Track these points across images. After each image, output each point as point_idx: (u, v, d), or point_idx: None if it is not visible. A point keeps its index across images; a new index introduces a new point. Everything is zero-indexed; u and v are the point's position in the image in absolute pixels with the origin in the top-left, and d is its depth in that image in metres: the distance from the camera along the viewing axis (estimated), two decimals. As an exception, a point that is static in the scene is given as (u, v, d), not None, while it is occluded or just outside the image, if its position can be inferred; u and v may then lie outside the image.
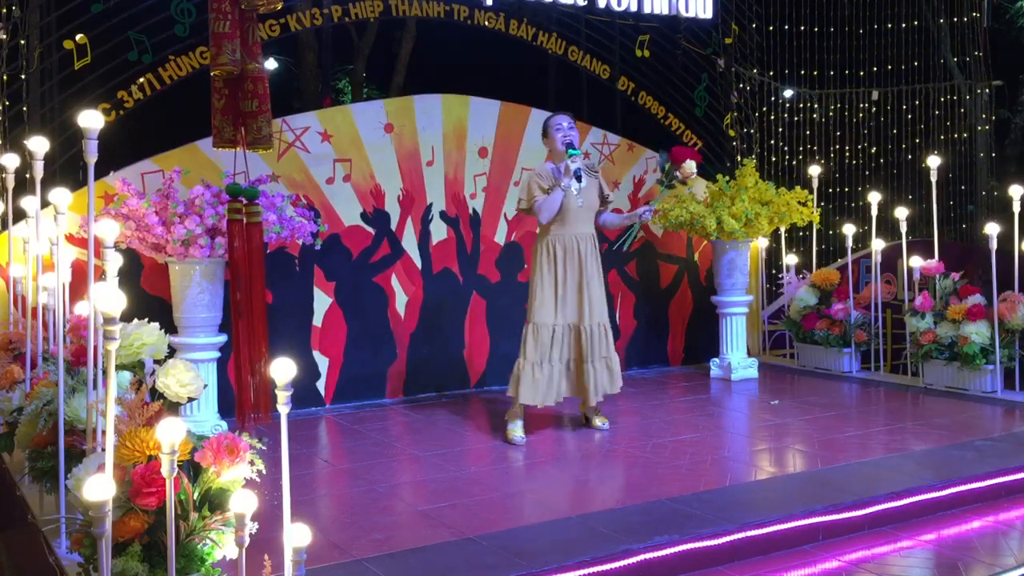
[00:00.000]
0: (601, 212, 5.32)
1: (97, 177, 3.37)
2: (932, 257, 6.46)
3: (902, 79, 10.71)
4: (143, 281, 5.47)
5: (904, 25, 10.75)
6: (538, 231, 5.21)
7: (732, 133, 8.13)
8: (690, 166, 5.36)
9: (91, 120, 3.16)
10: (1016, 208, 6.03)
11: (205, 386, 3.69)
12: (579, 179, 4.97)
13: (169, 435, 2.38)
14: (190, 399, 3.32)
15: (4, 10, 5.42)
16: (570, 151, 4.99)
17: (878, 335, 6.88)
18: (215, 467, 2.71)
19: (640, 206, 7.24)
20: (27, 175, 4.14)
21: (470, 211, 6.55)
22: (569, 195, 5.02)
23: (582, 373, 5.11)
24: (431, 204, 6.42)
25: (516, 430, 5.08)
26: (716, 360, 6.99)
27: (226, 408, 5.33)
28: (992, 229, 6.05)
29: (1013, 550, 3.60)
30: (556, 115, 5.23)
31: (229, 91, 4.69)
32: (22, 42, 5.48)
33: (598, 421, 5.33)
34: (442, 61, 11.08)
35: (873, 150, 10.66)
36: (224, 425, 5.02)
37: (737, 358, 6.90)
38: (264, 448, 2.91)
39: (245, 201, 4.72)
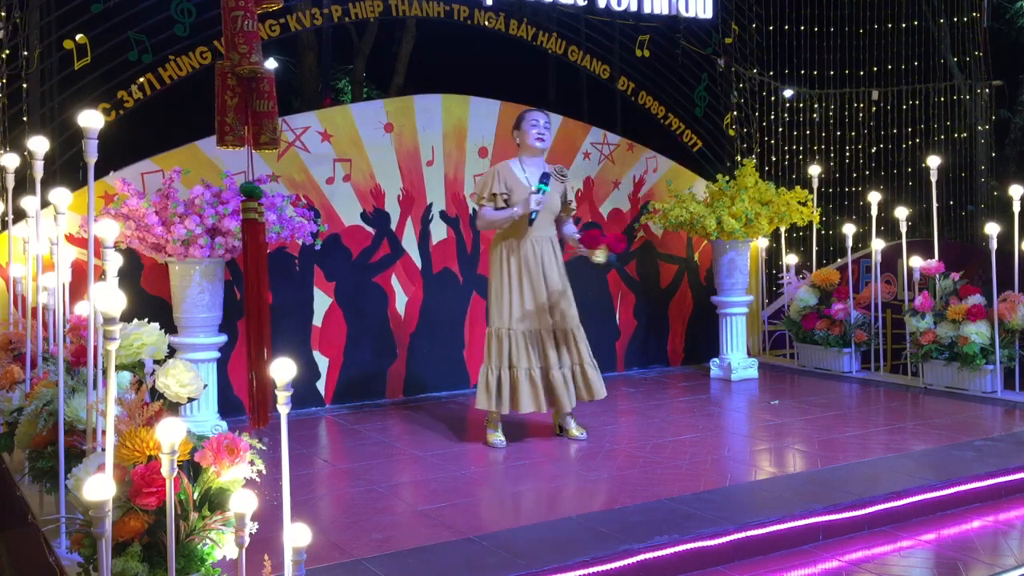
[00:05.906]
0: (562, 219, 5.08)
1: (97, 177, 3.37)
2: (932, 257, 6.46)
3: (902, 79, 10.71)
4: (143, 281, 5.47)
5: (904, 25, 10.75)
6: (495, 233, 5.02)
7: (732, 133, 8.13)
8: (599, 255, 4.77)
9: (91, 120, 3.16)
10: (1016, 208, 6.03)
11: (205, 386, 3.69)
12: (531, 221, 4.74)
13: (169, 435, 2.38)
14: (190, 399, 3.32)
15: (3, 12, 5.42)
16: (542, 187, 4.75)
17: (878, 335, 6.88)
18: (215, 467, 2.71)
19: (639, 206, 7.28)
20: (27, 175, 4.14)
21: (470, 211, 6.55)
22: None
23: (550, 381, 4.88)
24: (431, 204, 6.42)
25: (494, 435, 4.99)
26: (716, 360, 6.99)
27: (226, 408, 5.34)
28: (992, 229, 6.04)
29: (1013, 550, 3.60)
30: (532, 110, 5.04)
31: (242, 90, 4.67)
32: (22, 42, 5.48)
33: (575, 431, 5.09)
34: (442, 61, 11.08)
35: (873, 150, 10.66)
36: (224, 425, 5.02)
37: (737, 358, 6.90)
38: (264, 448, 2.91)
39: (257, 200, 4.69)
